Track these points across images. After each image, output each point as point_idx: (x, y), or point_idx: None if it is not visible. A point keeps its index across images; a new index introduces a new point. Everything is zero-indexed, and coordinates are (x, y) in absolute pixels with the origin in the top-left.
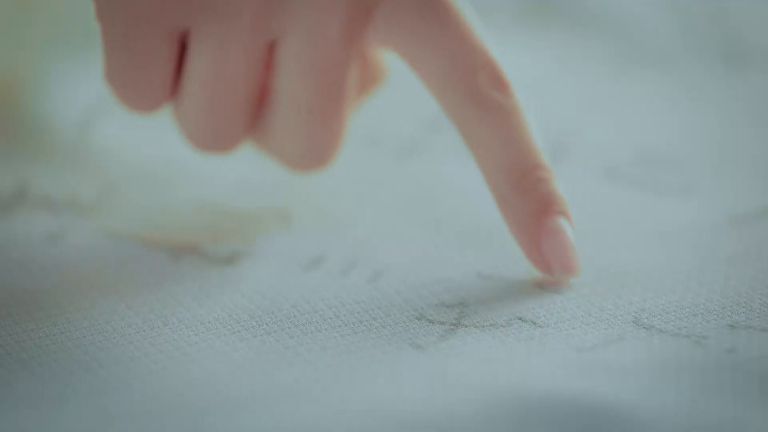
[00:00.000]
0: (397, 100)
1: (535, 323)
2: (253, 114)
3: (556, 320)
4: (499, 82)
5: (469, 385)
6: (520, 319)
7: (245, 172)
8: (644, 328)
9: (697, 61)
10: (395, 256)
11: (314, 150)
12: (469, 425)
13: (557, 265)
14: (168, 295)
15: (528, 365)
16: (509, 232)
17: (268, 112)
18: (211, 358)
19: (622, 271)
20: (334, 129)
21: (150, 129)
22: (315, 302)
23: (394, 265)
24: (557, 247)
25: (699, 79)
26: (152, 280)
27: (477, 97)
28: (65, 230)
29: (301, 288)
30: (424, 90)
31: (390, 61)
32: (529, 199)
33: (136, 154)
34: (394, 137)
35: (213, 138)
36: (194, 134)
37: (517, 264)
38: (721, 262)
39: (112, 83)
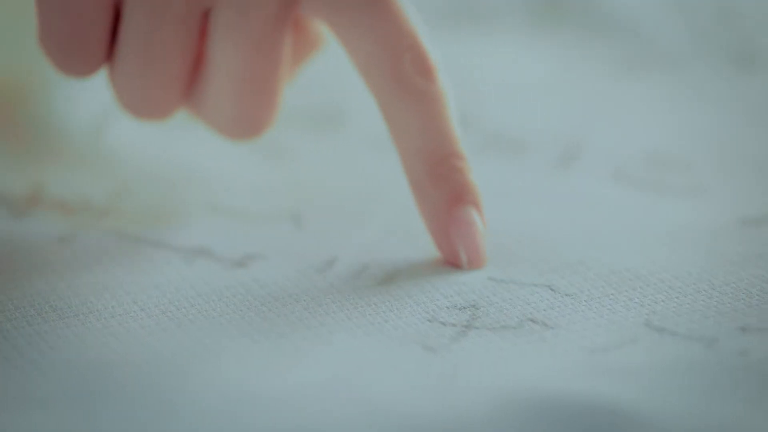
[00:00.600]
0: None
1: (546, 325)
2: (187, 82)
3: (568, 322)
4: (423, 67)
5: (480, 387)
6: (531, 320)
7: (257, 174)
8: (655, 330)
9: (706, 62)
10: (406, 258)
11: (248, 119)
12: (480, 427)
13: (464, 255)
14: (180, 297)
15: (539, 367)
16: (422, 219)
17: (202, 81)
18: (224, 361)
19: (632, 273)
20: (268, 98)
21: (162, 131)
22: (327, 304)
23: (405, 268)
24: (465, 238)
25: (708, 81)
26: (165, 282)
27: (400, 80)
28: (78, 232)
29: (312, 290)
30: None
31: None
32: (442, 188)
33: (149, 157)
34: None
35: (147, 105)
36: (129, 100)
37: (529, 266)
38: (731, 264)
39: (47, 47)
